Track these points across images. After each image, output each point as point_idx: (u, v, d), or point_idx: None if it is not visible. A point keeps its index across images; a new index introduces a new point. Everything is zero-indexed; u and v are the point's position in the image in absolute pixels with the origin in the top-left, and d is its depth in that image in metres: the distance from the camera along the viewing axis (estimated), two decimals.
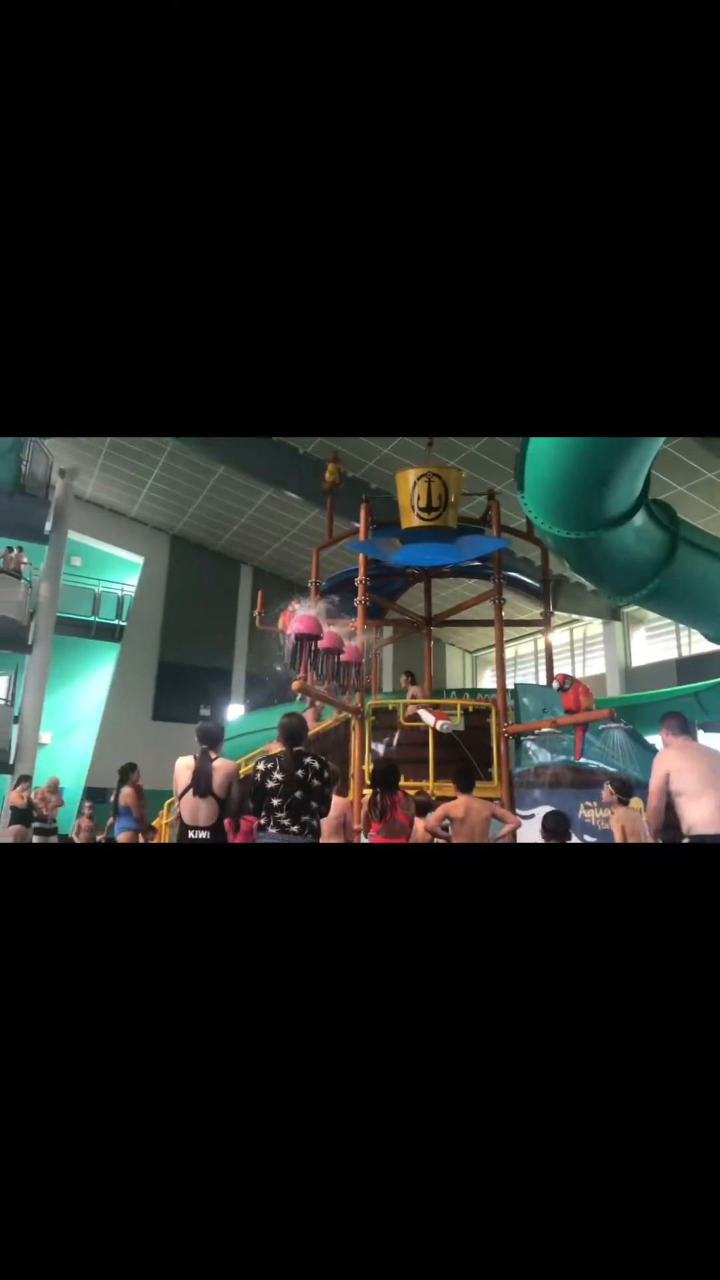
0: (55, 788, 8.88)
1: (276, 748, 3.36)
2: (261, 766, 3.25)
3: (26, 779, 8.79)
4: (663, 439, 3.99)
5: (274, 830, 3.11)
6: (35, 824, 8.17)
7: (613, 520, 4.84)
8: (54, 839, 8.49)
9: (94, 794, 14.04)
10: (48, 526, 11.67)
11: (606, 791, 5.03)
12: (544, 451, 4.35)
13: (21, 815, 8.02)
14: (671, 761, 3.37)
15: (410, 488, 6.68)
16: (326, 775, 3.29)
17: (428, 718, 5.82)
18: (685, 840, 3.30)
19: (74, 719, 14.94)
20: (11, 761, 10.53)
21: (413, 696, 7.05)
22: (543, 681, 7.63)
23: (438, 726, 5.66)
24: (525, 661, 17.39)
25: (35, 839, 8.14)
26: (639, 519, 5.12)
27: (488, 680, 18.49)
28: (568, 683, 5.15)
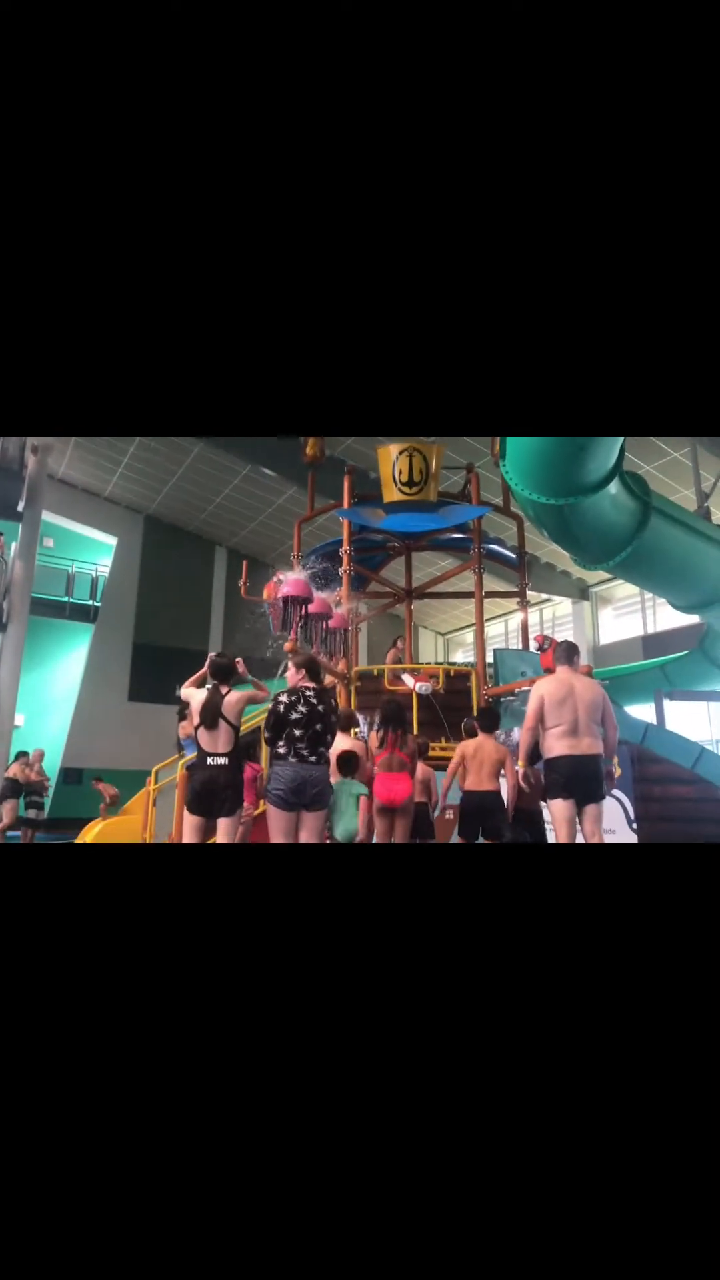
0: (40, 758, 9.01)
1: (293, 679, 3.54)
2: (284, 699, 3.40)
3: (24, 754, 8.85)
4: None
5: (294, 760, 3.29)
6: (30, 797, 8.32)
7: (590, 486, 5.08)
8: (43, 815, 8.61)
9: (69, 775, 13.98)
10: (21, 504, 11.52)
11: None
12: None
13: (13, 789, 8.14)
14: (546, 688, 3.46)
15: (392, 462, 6.85)
16: (337, 712, 3.58)
17: (409, 680, 6.07)
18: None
19: (48, 701, 14.78)
20: None
21: (394, 662, 7.26)
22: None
23: (417, 688, 5.93)
24: (496, 641, 17.72)
25: (31, 813, 8.29)
26: (614, 487, 5.37)
27: (460, 659, 18.79)
28: (547, 643, 5.40)
